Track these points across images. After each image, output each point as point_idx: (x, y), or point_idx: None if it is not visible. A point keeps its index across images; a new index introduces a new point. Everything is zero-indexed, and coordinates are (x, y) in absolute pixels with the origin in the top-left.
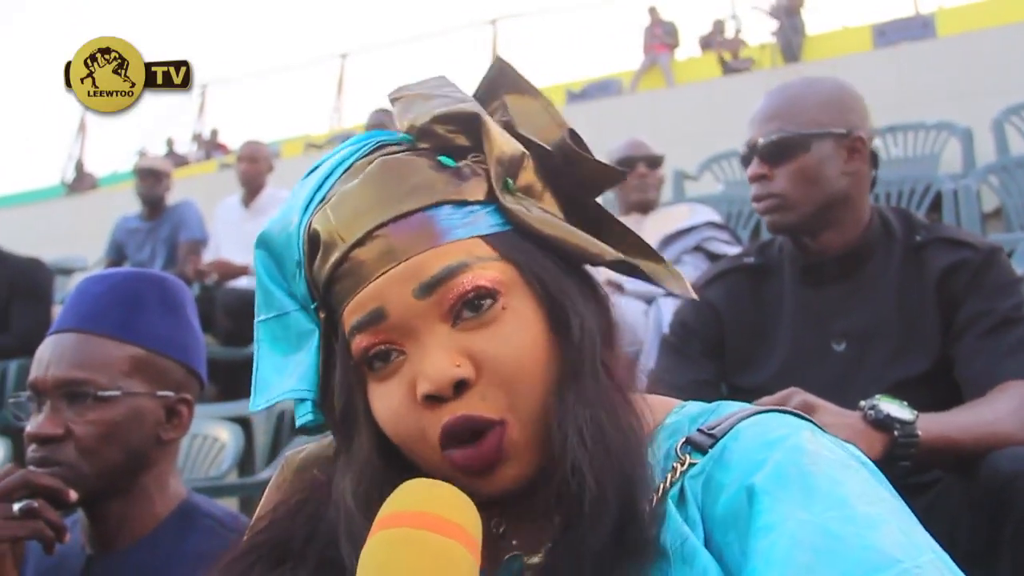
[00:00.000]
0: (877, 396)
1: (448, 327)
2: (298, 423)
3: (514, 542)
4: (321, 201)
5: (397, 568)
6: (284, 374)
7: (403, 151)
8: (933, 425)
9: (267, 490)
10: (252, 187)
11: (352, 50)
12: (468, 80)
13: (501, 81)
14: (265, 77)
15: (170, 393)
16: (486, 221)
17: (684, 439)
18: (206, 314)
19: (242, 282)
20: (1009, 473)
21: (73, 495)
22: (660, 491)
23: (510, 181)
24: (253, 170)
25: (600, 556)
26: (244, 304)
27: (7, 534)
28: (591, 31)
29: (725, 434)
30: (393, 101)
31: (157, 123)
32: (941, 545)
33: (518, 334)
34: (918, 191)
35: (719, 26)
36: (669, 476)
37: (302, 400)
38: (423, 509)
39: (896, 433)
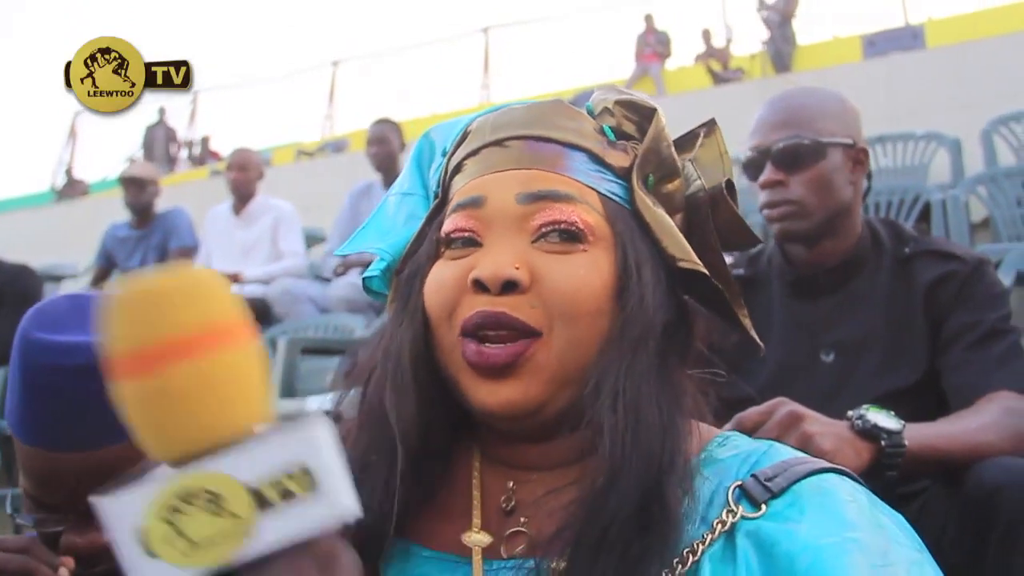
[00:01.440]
0: (865, 406)
1: (528, 241)
2: (365, 275)
3: (522, 520)
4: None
5: (178, 420)
6: (381, 239)
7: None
8: (920, 435)
9: None
10: (242, 195)
11: (344, 58)
12: (461, 87)
13: (703, 133)
14: (257, 84)
15: None
16: (611, 187)
17: (736, 484)
18: None
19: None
20: (994, 483)
21: None
22: (705, 541)
23: (651, 178)
24: (243, 178)
25: (623, 546)
26: None
27: None
28: (583, 40)
29: (783, 491)
30: (598, 88)
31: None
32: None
33: (585, 272)
34: (907, 201)
35: (707, 35)
36: (718, 526)
37: (380, 260)
38: (183, 323)
39: (883, 443)
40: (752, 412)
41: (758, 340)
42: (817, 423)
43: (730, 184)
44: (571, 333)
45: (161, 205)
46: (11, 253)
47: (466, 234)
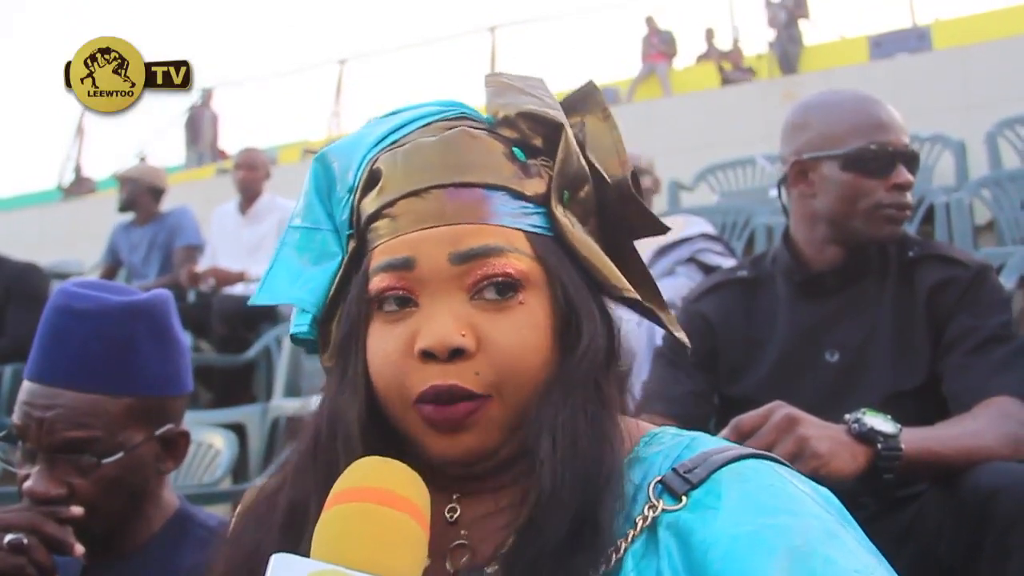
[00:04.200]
0: (862, 409)
1: (465, 297)
2: (293, 331)
3: (463, 532)
4: (393, 143)
5: (351, 539)
6: (295, 283)
7: (484, 130)
8: (916, 439)
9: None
10: (249, 194)
11: (351, 56)
12: (468, 87)
13: (587, 101)
14: (264, 82)
15: (165, 427)
16: (533, 220)
17: (657, 479)
18: (202, 320)
19: (238, 288)
20: (989, 488)
21: (79, 550)
22: (628, 539)
23: (567, 194)
24: (251, 178)
25: (554, 565)
26: (240, 311)
27: None
28: (589, 40)
29: (702, 481)
30: (488, 83)
31: (156, 127)
32: (923, 557)
33: (527, 330)
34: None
35: (710, 35)
36: (640, 522)
37: (303, 311)
38: (375, 484)
39: (879, 446)
40: (749, 416)
41: (685, 340)
42: (813, 427)
43: (635, 176)
44: (520, 390)
45: (167, 204)
46: (18, 251)
47: (400, 292)
